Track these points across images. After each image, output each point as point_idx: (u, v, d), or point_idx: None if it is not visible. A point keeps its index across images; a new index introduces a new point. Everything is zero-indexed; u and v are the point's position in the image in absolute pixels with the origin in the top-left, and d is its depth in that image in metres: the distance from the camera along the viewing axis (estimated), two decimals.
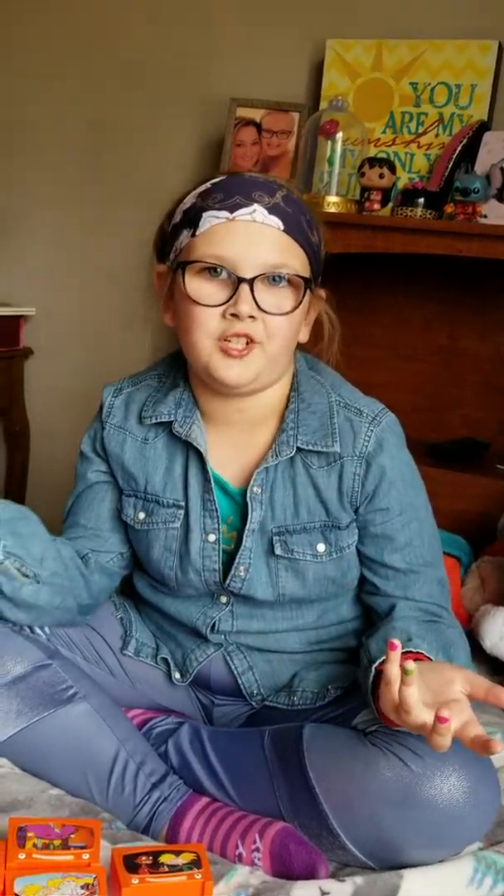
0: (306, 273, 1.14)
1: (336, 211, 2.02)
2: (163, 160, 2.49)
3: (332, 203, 2.02)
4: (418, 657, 1.05)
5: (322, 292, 1.23)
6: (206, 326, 1.12)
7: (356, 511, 1.21)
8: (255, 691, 1.28)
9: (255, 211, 1.09)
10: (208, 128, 2.41)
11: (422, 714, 0.92)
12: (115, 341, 2.63)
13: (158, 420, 1.23)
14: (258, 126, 2.25)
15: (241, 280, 1.09)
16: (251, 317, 1.10)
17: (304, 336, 1.22)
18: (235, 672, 1.27)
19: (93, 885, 0.94)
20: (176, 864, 0.98)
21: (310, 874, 1.04)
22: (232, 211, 1.09)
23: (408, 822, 1.03)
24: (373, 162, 2.00)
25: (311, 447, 1.18)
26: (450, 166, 2.04)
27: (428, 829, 1.03)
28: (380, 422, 1.20)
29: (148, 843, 1.10)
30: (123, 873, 0.96)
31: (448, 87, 2.13)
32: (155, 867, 0.97)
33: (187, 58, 2.42)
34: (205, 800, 1.15)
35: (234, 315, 1.10)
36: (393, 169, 2.01)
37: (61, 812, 1.14)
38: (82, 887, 0.94)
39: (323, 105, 2.18)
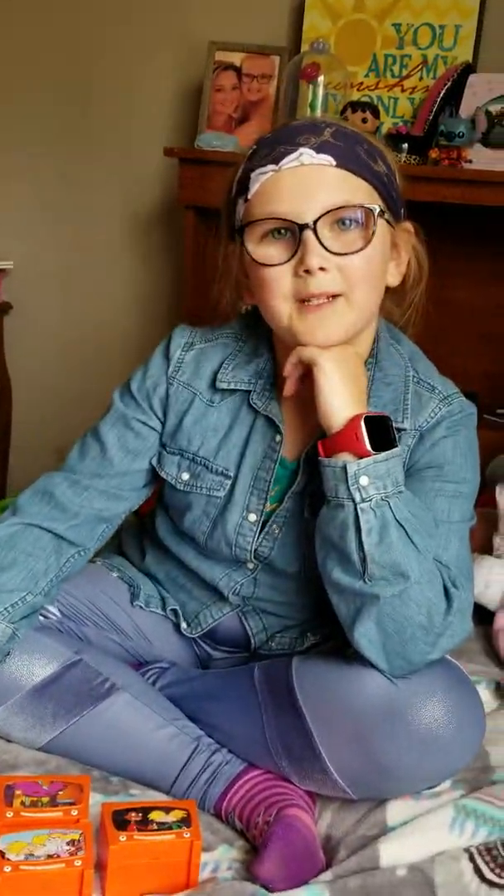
0: (374, 203, 1.05)
1: None
2: (141, 107, 2.43)
3: None
4: None
5: (409, 226, 1.14)
6: (280, 287, 1.05)
7: None
8: (262, 647, 1.28)
9: (301, 154, 1.03)
10: (187, 73, 2.35)
11: None
12: (96, 295, 2.59)
13: (236, 387, 1.17)
14: (238, 70, 2.19)
15: (302, 227, 1.02)
16: (322, 269, 1.02)
17: (393, 279, 1.14)
18: (250, 632, 1.26)
19: (79, 840, 0.94)
20: (165, 821, 0.98)
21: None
22: (277, 161, 1.04)
23: (391, 741, 1.01)
24: (356, 106, 1.96)
25: None
26: (434, 110, 2.00)
27: (411, 749, 1.01)
28: (450, 402, 1.15)
29: (138, 799, 1.10)
30: (112, 830, 0.96)
31: (432, 28, 2.08)
32: (144, 824, 0.97)
33: (164, 0, 2.35)
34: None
35: (306, 272, 1.03)
36: (376, 113, 1.97)
37: (48, 766, 1.14)
38: (68, 843, 0.94)
39: (304, 48, 2.13)
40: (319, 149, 1.03)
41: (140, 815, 0.98)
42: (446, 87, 2.00)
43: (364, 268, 1.05)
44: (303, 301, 1.05)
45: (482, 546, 1.71)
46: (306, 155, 1.03)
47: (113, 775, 1.15)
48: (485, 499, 1.84)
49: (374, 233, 1.04)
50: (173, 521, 1.27)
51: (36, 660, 1.15)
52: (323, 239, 1.02)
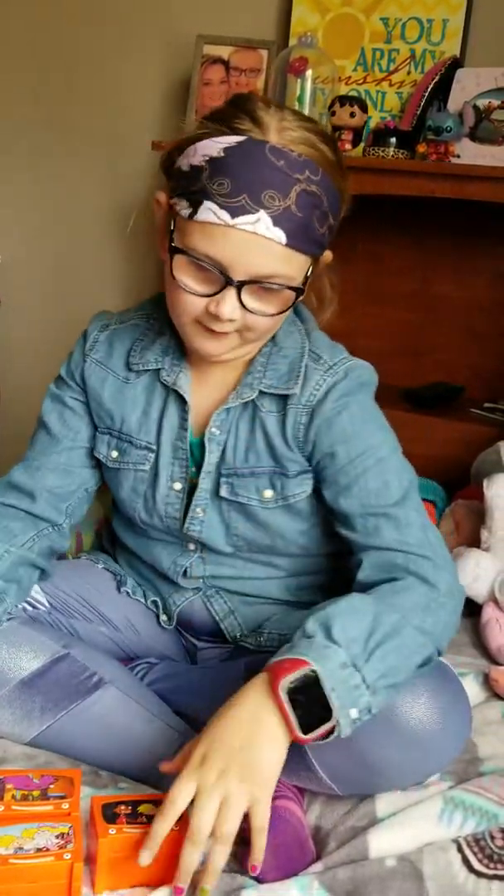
0: (301, 274, 1.07)
1: None
2: (128, 101, 2.42)
3: None
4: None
5: (327, 256, 1.14)
6: (188, 310, 1.08)
7: (309, 460, 1.18)
8: (238, 634, 1.28)
9: (258, 221, 1.00)
10: (174, 66, 2.34)
11: None
12: (85, 289, 2.58)
13: (146, 368, 1.22)
14: (226, 64, 2.19)
15: (228, 282, 1.03)
16: (232, 320, 1.06)
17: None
18: (216, 617, 1.27)
19: (68, 834, 0.95)
20: (154, 814, 0.98)
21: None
22: (234, 216, 1.00)
23: (377, 740, 1.01)
24: (343, 100, 1.96)
25: (272, 390, 1.16)
26: (422, 104, 2.00)
27: (397, 748, 1.01)
28: (336, 371, 1.16)
29: (127, 792, 1.10)
30: (101, 823, 0.96)
31: (420, 22, 2.08)
32: (133, 817, 0.97)
33: None
34: None
35: (217, 315, 1.05)
36: (364, 108, 1.97)
37: (37, 760, 1.14)
38: (57, 836, 0.94)
39: (292, 42, 2.12)
40: (278, 220, 1.01)
41: (129, 808, 0.99)
42: (434, 81, 2.00)
43: (268, 323, 1.09)
44: (203, 325, 1.08)
45: (470, 539, 1.72)
46: (262, 224, 1.00)
47: (101, 769, 1.15)
48: (472, 492, 1.85)
49: (289, 308, 1.09)
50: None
51: (23, 653, 1.15)
52: (244, 297, 1.05)
